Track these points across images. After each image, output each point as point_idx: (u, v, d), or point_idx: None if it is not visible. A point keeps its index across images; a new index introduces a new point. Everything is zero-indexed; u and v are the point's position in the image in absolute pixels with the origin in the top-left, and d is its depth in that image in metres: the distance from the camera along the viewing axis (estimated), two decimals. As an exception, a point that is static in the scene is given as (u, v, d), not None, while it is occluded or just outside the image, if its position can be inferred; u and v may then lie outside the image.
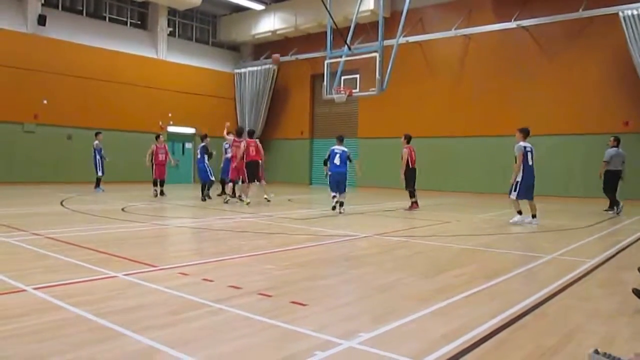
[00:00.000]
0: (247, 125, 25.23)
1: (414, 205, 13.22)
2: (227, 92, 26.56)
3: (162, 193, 15.63)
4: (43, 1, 19.97)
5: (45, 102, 19.78)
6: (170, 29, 24.51)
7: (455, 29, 19.93)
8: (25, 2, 19.67)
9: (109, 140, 19.97)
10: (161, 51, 23.90)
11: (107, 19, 22.72)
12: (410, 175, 13.38)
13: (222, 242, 7.51)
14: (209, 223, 9.61)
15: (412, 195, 13.29)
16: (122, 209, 11.47)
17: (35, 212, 10.55)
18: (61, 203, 12.58)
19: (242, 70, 26.60)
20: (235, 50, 27.78)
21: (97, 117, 20.96)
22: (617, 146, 13.15)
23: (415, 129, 21.29)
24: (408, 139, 13.60)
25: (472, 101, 19.93)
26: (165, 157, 15.84)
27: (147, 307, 3.97)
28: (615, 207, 12.92)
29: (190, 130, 24.87)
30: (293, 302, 4.12)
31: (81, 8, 21.84)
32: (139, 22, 24.06)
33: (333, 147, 12.12)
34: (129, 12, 23.56)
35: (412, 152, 13.50)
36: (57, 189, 16.89)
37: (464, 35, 19.95)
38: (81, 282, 4.70)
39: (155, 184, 15.77)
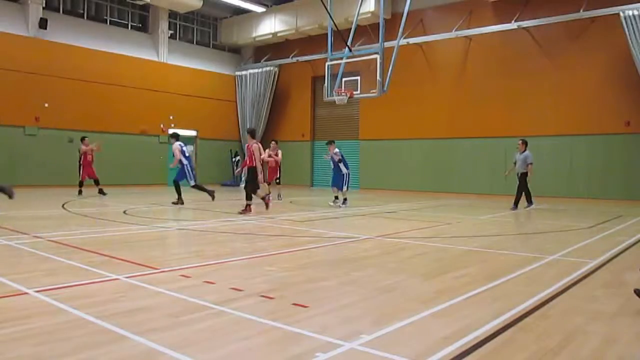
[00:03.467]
0: (247, 128, 25.26)
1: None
2: (228, 95, 26.60)
3: (100, 192, 16.41)
4: (44, 4, 20.01)
5: (46, 105, 19.81)
6: (171, 31, 24.56)
7: (455, 30, 19.94)
8: (26, 6, 19.71)
9: (110, 143, 20.00)
10: (162, 54, 23.94)
11: (108, 22, 22.76)
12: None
13: (224, 245, 7.51)
14: (210, 225, 9.62)
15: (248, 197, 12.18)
16: (124, 212, 11.48)
17: (36, 215, 10.56)
18: (62, 206, 12.60)
19: (243, 72, 26.63)
20: (236, 52, 27.82)
21: (98, 120, 21.00)
22: (525, 150, 14.09)
23: (416, 130, 21.43)
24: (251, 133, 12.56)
25: (473, 102, 19.93)
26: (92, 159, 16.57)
27: (149, 310, 3.97)
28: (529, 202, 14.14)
29: (192, 133, 24.91)
30: (295, 304, 4.12)
31: (82, 11, 21.89)
32: (140, 25, 24.10)
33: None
34: (129, 15, 23.60)
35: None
36: (58, 192, 16.91)
37: (465, 36, 19.95)
38: (83, 285, 4.71)
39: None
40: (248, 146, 12.00)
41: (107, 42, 21.98)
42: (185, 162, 13.69)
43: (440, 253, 7.01)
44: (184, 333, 3.41)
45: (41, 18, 19.74)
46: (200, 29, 26.51)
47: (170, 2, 22.23)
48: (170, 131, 15.04)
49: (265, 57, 26.34)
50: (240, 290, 4.55)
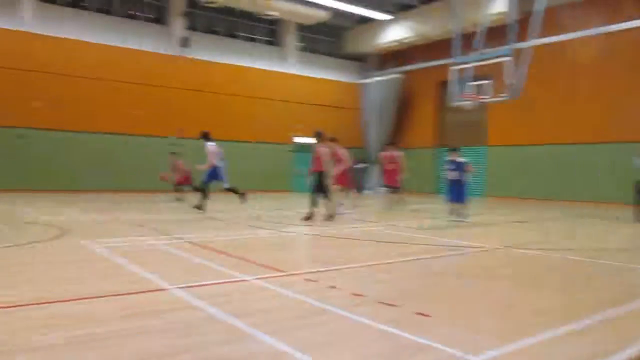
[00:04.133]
0: (371, 135, 25.40)
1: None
2: (353, 103, 26.95)
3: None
4: (186, 25, 21.82)
5: (188, 117, 21.47)
6: (300, 43, 25.48)
7: (595, 27, 18.43)
8: (170, 27, 21.62)
9: (240, 151, 21.18)
10: (290, 65, 24.92)
11: (241, 38, 24.22)
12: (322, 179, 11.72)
13: (348, 250, 7.60)
14: (334, 231, 9.78)
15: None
16: (254, 216, 12.05)
17: (178, 219, 11.45)
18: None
19: (368, 80, 26.85)
20: (361, 61, 28.14)
21: (229, 130, 22.31)
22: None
23: (556, 135, 20.09)
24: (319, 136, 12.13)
25: (615, 104, 18.27)
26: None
27: (276, 311, 4.13)
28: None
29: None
30: (417, 313, 4.05)
31: (219, 29, 23.54)
32: (271, 39, 25.33)
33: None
34: (261, 31, 24.90)
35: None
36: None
37: (605, 32, 18.37)
38: (216, 284, 5.02)
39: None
40: (316, 150, 11.57)
41: (240, 57, 23.37)
42: (220, 164, 12.72)
43: (575, 267, 6.50)
44: (309, 335, 3.49)
45: (183, 37, 21.51)
46: (326, 40, 27.20)
47: (298, 15, 23.11)
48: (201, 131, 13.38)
49: (390, 65, 26.33)
50: (362, 296, 4.58)
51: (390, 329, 3.61)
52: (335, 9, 23.26)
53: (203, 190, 12.63)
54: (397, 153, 15.15)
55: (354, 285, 5.06)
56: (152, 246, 7.28)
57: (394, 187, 15.34)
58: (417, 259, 6.80)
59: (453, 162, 12.03)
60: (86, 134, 19.45)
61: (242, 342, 3.35)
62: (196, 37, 22.29)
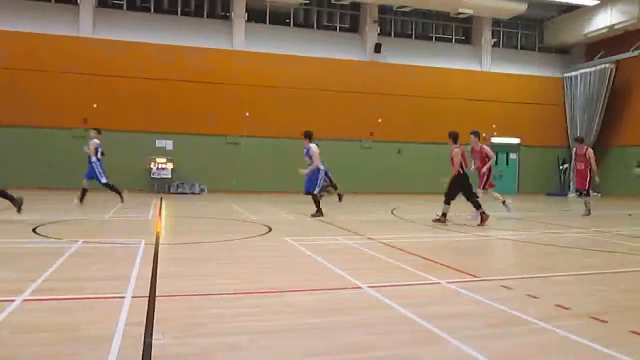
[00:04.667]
0: (578, 133, 23.21)
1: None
2: (555, 99, 24.89)
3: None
4: (379, 31, 22.38)
5: (380, 120, 21.99)
6: (495, 39, 24.39)
7: None
8: (364, 34, 22.39)
9: (432, 153, 20.97)
10: (485, 63, 23.99)
11: (433, 38, 24.03)
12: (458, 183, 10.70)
13: (548, 258, 7.06)
14: (533, 237, 9.14)
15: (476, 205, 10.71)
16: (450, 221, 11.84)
17: (372, 220, 11.78)
18: (392, 212, 13.73)
19: (573, 73, 24.58)
20: (564, 53, 25.90)
21: (424, 132, 22.23)
22: None
23: None
24: (454, 137, 10.90)
25: None
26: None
27: (468, 317, 4.01)
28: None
29: (514, 141, 24.22)
30: (633, 332, 3.60)
31: (411, 32, 23.67)
32: (464, 38, 24.68)
33: None
34: (454, 30, 24.40)
35: (463, 154, 10.75)
36: (390, 199, 18.45)
37: None
38: (407, 285, 5.05)
39: None
40: (451, 151, 10.82)
41: (433, 58, 23.18)
42: (322, 167, 11.90)
43: None
44: (503, 345, 3.33)
45: (376, 43, 22.10)
46: (524, 33, 25.61)
47: (493, 10, 22.16)
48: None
49: (599, 54, 23.77)
50: (567, 308, 4.20)
51: (599, 347, 3.27)
52: (534, -1, 21.83)
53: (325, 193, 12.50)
54: (586, 151, 13.37)
55: (557, 295, 4.67)
56: (346, 245, 7.59)
57: (581, 190, 13.62)
58: (633, 271, 6.02)
59: None
60: (289, 140, 20.82)
61: (432, 345, 3.33)
62: (388, 41, 22.70)
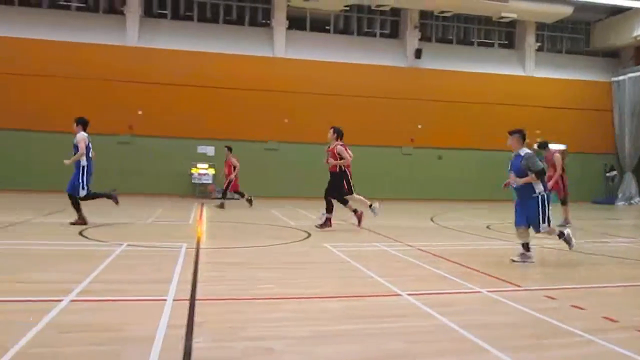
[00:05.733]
0: (626, 139, 22.46)
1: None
2: (602, 104, 24.09)
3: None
4: (419, 36, 22.20)
5: (420, 126, 21.78)
6: (539, 43, 23.85)
7: None
8: (404, 40, 22.25)
9: (474, 159, 20.62)
10: (529, 68, 23.48)
11: (475, 43, 23.68)
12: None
13: (594, 268, 6.84)
14: (578, 245, 8.85)
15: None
16: (487, 227, 11.63)
17: (411, 226, 11.67)
18: (431, 219, 13.56)
19: (621, 77, 23.75)
20: (612, 56, 25.10)
21: (466, 138, 21.88)
22: None
23: None
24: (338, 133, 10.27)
25: None
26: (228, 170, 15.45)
27: (510, 327, 3.92)
28: None
29: (560, 147, 23.53)
30: (686, 347, 3.44)
31: (452, 37, 23.40)
32: (506, 42, 24.23)
33: None
34: (496, 34, 24.00)
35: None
36: (430, 205, 18.24)
37: None
38: (447, 293, 4.97)
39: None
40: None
41: (475, 63, 22.80)
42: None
43: None
44: (547, 356, 3.25)
45: (417, 49, 21.93)
46: (569, 37, 24.94)
47: (537, 14, 21.69)
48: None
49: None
50: (615, 321, 4.05)
51: (650, 362, 3.14)
52: (580, 2, 21.21)
53: None
54: (552, 156, 12.45)
55: (604, 307, 4.51)
56: (384, 252, 7.54)
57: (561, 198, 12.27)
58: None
59: None
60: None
61: (473, 355, 3.27)
62: (428, 46, 22.50)
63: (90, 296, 4.43)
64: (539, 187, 6.81)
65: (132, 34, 19.85)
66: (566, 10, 21.39)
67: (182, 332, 3.51)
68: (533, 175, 6.71)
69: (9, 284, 4.79)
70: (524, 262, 6.86)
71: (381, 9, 21.38)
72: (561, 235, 7.20)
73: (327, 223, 10.03)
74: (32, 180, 17.91)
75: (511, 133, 7.14)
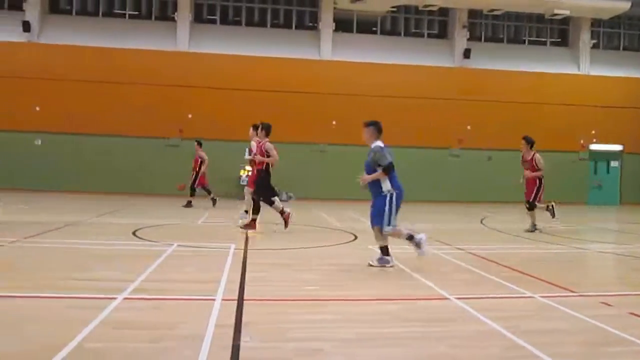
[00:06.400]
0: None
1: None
2: (665, 102, 23.00)
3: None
4: (468, 36, 21.81)
5: (469, 127, 21.38)
6: (594, 40, 23.00)
7: None
8: (452, 40, 21.93)
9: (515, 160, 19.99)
10: (584, 66, 22.68)
11: (526, 42, 23.06)
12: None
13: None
14: (636, 250, 8.49)
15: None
16: (539, 230, 11.27)
17: (460, 229, 11.48)
18: (481, 221, 13.29)
19: (683, 74, 22.63)
20: (674, 53, 23.95)
21: (517, 139, 21.21)
22: None
23: None
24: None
25: None
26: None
27: (565, 334, 3.79)
28: None
29: (616, 147, 22.62)
30: None
31: (502, 36, 22.87)
32: (559, 40, 23.49)
33: None
34: (548, 32, 23.29)
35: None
36: (479, 208, 17.87)
37: None
38: (498, 298, 4.86)
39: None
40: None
41: (526, 62, 22.20)
42: None
43: None
44: (603, 365, 3.12)
45: (466, 49, 21.56)
46: (627, 33, 23.94)
47: (592, 10, 20.92)
48: None
49: None
50: (677, 329, 3.87)
51: None
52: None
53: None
54: (533, 156, 11.63)
55: (664, 315, 4.31)
56: (433, 255, 7.43)
57: (527, 200, 11.20)
58: None
59: None
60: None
61: (525, 362, 3.18)
62: (477, 46, 22.07)
63: (143, 294, 4.57)
64: (387, 185, 6.24)
65: (182, 39, 20.37)
66: (623, 6, 20.55)
67: (231, 331, 3.57)
68: (381, 171, 6.21)
69: (65, 281, 4.98)
70: (382, 266, 6.25)
71: (429, 9, 21.12)
72: (410, 238, 6.28)
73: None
74: (104, 182, 18.68)
75: (367, 125, 6.57)
